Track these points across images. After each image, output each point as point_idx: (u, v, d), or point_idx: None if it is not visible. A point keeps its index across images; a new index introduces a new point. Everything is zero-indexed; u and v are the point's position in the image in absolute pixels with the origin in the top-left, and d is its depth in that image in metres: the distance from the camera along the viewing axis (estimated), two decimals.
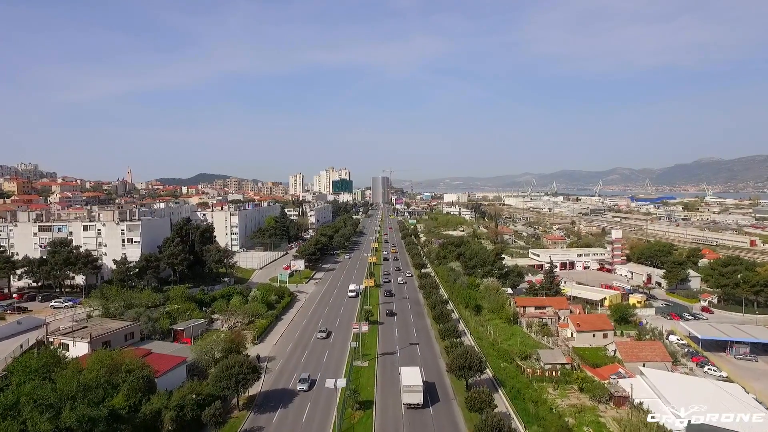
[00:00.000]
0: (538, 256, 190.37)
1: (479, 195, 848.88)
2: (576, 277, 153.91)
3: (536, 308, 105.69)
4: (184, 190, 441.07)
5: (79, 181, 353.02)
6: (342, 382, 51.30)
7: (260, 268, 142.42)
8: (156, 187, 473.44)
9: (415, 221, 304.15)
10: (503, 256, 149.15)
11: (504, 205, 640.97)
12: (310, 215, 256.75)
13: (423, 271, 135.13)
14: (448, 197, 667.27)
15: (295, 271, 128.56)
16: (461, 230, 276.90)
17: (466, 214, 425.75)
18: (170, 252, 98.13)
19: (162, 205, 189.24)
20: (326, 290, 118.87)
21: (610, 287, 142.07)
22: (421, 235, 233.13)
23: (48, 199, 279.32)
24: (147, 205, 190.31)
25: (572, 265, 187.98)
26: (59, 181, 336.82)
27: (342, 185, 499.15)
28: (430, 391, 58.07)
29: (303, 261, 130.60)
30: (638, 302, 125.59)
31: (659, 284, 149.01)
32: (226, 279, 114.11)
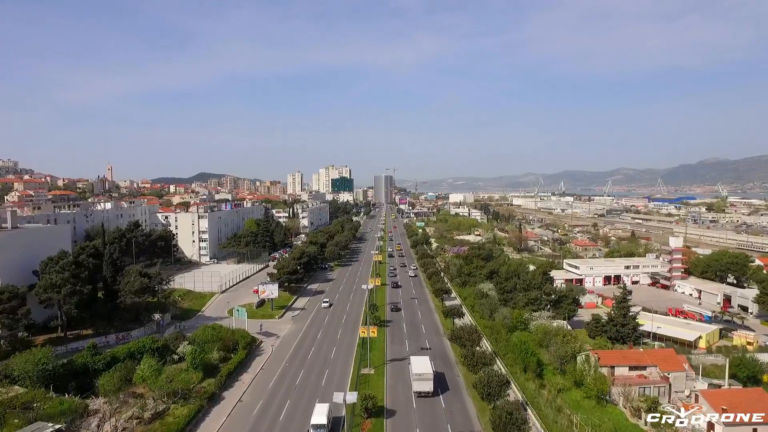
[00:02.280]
0: (576, 268, 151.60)
1: (484, 195, 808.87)
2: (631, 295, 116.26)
3: (631, 368, 66.83)
4: (173, 188, 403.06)
5: (49, 179, 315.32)
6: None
7: (222, 292, 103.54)
8: (144, 185, 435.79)
9: (423, 223, 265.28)
10: (550, 274, 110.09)
11: (512, 205, 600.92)
12: (302, 217, 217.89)
13: (448, 303, 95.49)
14: (454, 197, 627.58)
15: (266, 300, 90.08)
16: (477, 234, 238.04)
17: (476, 215, 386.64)
18: (49, 282, 59.58)
19: (108, 206, 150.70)
20: (309, 330, 79.91)
21: (682, 313, 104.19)
22: (433, 240, 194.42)
23: (6, 198, 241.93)
24: (83, 206, 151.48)
25: (617, 279, 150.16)
26: (26, 177, 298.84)
27: (342, 184, 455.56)
28: None
29: (277, 285, 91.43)
30: (749, 343, 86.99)
31: (744, 308, 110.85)
32: (157, 316, 74.83)
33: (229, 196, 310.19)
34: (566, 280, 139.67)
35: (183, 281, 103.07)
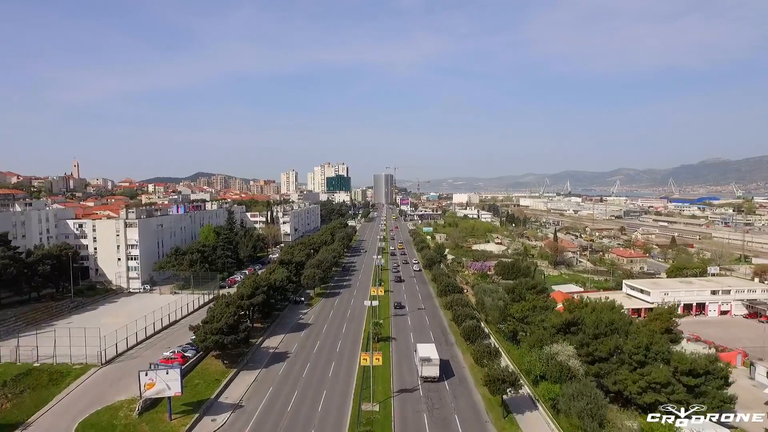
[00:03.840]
0: (645, 294, 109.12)
1: (487, 195, 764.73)
2: (723, 333, 76.14)
3: None
4: (151, 188, 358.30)
5: None
6: None
7: (106, 363, 58.56)
8: (122, 183, 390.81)
9: (430, 229, 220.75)
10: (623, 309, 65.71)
11: (519, 206, 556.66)
12: (283, 222, 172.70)
13: (495, 367, 50.29)
14: (458, 197, 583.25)
15: (154, 400, 45.78)
16: (497, 242, 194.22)
17: (487, 217, 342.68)
18: None
19: None
20: None
21: None
22: (447, 252, 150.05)
23: None
24: None
25: (700, 308, 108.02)
26: None
27: (338, 183, 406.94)
28: None
29: (178, 373, 45.63)
30: None
31: None
32: None
33: (207, 196, 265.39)
34: (631, 310, 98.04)
35: (56, 334, 58.46)
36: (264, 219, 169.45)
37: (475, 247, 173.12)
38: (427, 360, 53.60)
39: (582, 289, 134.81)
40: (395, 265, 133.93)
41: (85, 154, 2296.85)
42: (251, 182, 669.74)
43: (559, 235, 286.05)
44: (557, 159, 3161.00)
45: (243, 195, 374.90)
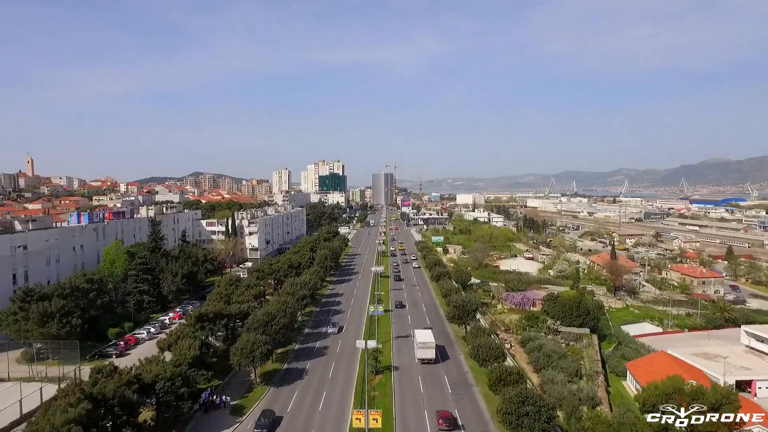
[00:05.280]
0: None
1: (491, 195, 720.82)
2: None
3: None
4: (123, 188, 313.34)
5: None
6: None
7: None
8: (93, 182, 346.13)
9: (441, 238, 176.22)
10: None
11: (527, 207, 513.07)
12: (249, 234, 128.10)
13: None
14: (462, 198, 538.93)
15: None
16: (527, 256, 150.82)
17: (498, 220, 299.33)
18: None
19: None
20: None
21: None
22: (470, 272, 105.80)
23: None
24: None
25: None
26: None
27: (332, 182, 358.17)
28: None
29: None
30: None
31: None
32: None
33: (176, 197, 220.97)
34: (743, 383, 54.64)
35: None
36: (223, 229, 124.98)
37: (502, 264, 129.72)
38: (423, 344, 57.27)
39: (660, 329, 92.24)
40: (398, 304, 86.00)
41: (83, 154, 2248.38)
42: (243, 182, 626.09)
43: (585, 242, 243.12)
44: (557, 159, 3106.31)
45: (232, 195, 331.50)
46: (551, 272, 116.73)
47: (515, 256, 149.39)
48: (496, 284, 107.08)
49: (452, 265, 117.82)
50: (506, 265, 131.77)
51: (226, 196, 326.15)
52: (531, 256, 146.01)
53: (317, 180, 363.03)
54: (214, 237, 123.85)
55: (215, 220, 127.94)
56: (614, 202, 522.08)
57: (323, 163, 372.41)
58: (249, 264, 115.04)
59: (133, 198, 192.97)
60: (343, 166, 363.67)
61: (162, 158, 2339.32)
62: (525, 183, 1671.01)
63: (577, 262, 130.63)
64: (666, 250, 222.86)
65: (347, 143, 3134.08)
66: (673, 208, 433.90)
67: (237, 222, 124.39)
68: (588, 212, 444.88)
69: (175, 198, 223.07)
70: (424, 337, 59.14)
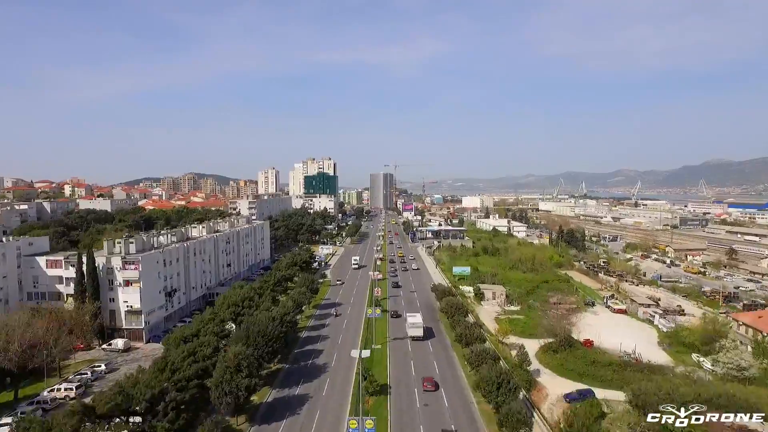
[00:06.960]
0: None
1: (496, 197, 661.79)
2: None
3: None
4: (68, 190, 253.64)
5: None
6: None
7: None
8: (39, 184, 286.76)
9: (465, 270, 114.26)
10: None
11: (540, 211, 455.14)
12: (124, 283, 65.95)
13: None
14: (469, 200, 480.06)
15: None
16: (616, 308, 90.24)
17: (521, 231, 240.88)
18: None
19: None
20: None
21: None
22: (531, 357, 47.80)
23: None
24: None
25: None
26: None
27: (321, 183, 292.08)
28: None
29: None
30: None
31: None
32: None
33: (108, 205, 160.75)
34: None
35: None
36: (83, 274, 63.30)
37: (583, 329, 70.61)
38: (413, 324, 68.11)
39: None
40: None
41: (82, 154, 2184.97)
42: (231, 182, 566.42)
43: (640, 261, 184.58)
44: (558, 160, 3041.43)
45: (206, 201, 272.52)
46: (707, 364, 56.93)
47: (591, 303, 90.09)
48: (619, 399, 48.03)
49: (499, 335, 59.90)
50: (588, 328, 72.39)
51: (195, 200, 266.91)
52: (623, 307, 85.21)
53: (304, 181, 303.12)
54: (60, 288, 65.49)
55: (61, 258, 67.15)
56: (636, 205, 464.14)
57: (312, 162, 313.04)
58: (120, 342, 55.26)
59: (33, 203, 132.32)
60: (334, 165, 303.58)
61: (161, 158, 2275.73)
62: (526, 184, 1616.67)
63: (723, 322, 70.59)
64: (752, 273, 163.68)
65: (345, 144, 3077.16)
66: (709, 213, 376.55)
67: (104, 260, 63.01)
68: (612, 217, 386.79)
69: (106, 206, 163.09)
70: (414, 319, 70.34)
